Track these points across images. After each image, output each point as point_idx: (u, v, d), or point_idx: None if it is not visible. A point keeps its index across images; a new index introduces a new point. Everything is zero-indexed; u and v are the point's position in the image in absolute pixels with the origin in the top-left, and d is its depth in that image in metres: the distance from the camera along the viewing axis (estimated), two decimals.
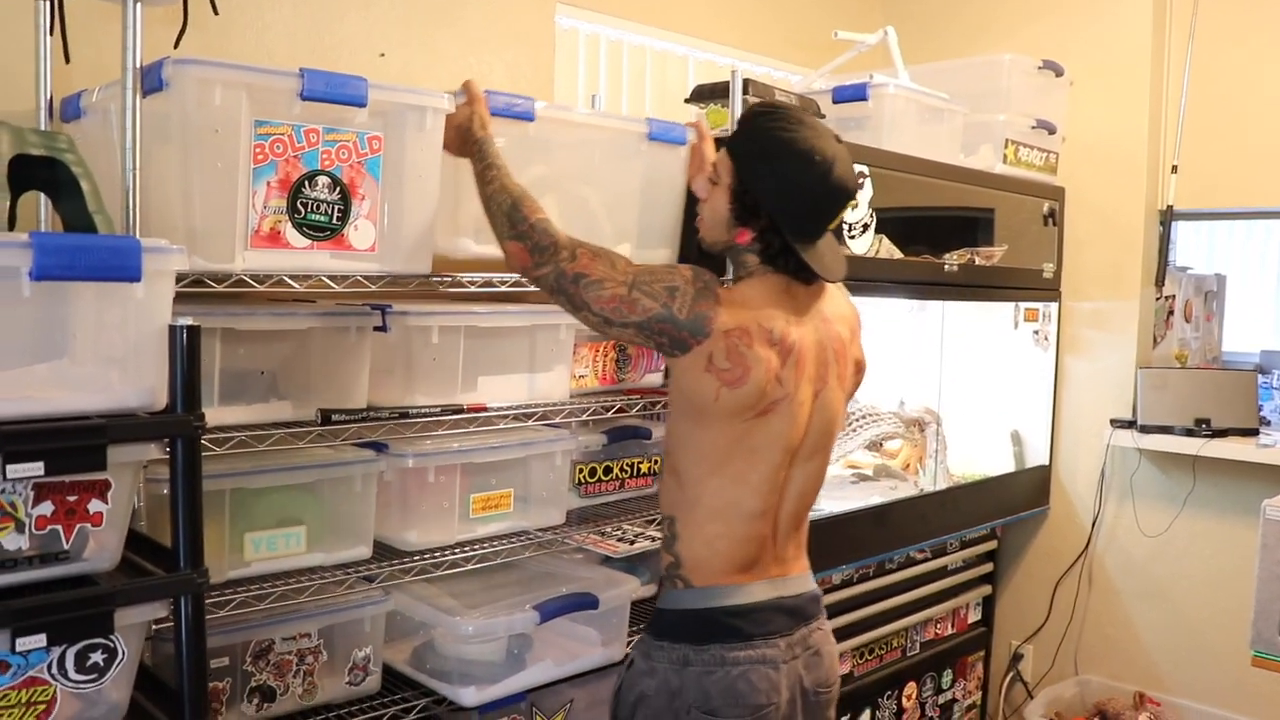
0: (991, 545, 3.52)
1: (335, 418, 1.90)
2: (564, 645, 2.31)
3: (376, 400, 2.03)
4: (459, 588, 2.18)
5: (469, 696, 2.05)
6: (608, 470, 2.51)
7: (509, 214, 1.81)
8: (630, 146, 2.33)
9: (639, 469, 2.58)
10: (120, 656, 1.46)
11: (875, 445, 3.23)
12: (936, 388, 3.35)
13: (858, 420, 3.10)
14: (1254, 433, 3.25)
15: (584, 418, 2.37)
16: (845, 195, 1.79)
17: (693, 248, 2.17)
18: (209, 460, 1.69)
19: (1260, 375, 3.43)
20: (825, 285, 1.87)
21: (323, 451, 1.99)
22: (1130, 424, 3.38)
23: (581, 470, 2.43)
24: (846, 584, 2.91)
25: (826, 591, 2.83)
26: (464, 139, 1.96)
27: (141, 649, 1.52)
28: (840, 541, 2.80)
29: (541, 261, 1.78)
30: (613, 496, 2.53)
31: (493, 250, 1.93)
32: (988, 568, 3.52)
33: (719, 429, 1.76)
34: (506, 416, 2.14)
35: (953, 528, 3.20)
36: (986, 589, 3.52)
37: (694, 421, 1.78)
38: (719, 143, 2.00)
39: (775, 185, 1.76)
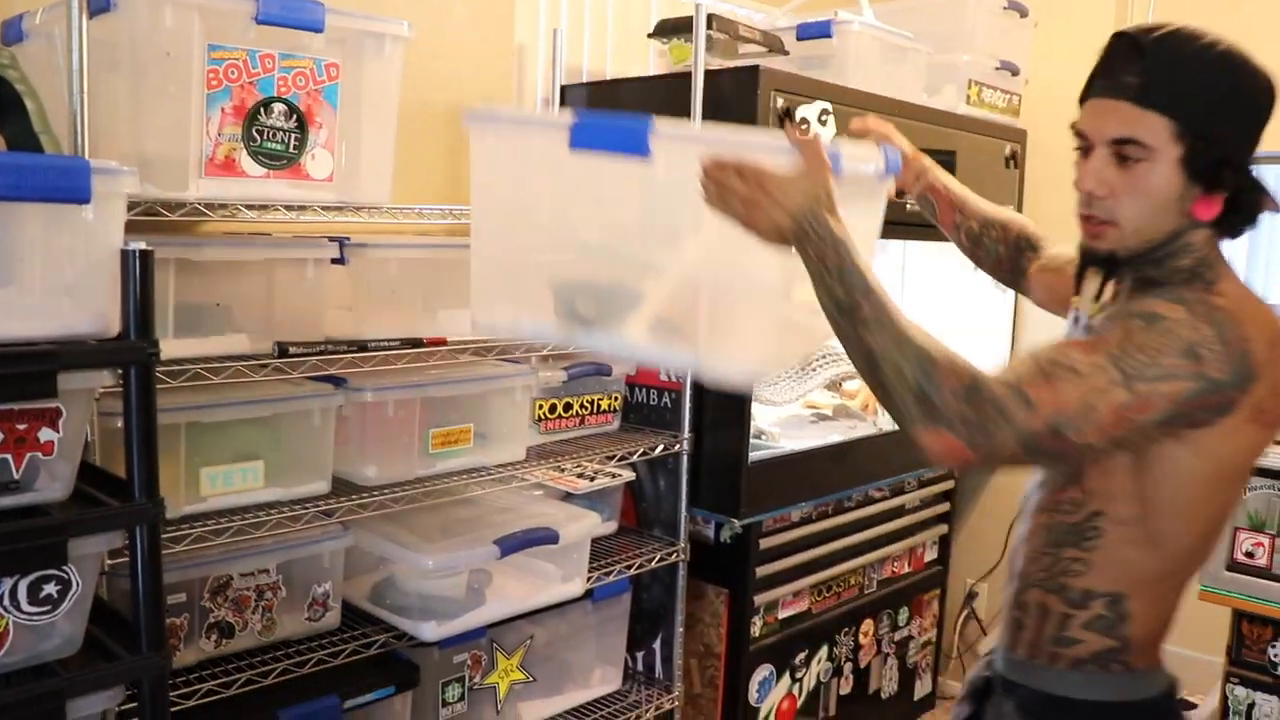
0: (948, 485, 3.55)
1: (292, 351, 1.88)
2: (524, 581, 2.31)
3: (335, 334, 2.01)
4: (418, 523, 2.17)
5: (429, 631, 2.05)
6: (568, 406, 2.50)
7: (918, 388, 1.27)
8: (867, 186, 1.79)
9: (599, 405, 2.58)
10: (74, 588, 1.44)
11: (834, 385, 3.24)
12: None
13: (818, 360, 3.11)
14: None
15: (544, 352, 2.35)
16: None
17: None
18: (164, 394, 1.66)
19: None
20: None
21: (280, 386, 1.97)
22: None
23: (541, 406, 2.42)
24: (805, 521, 2.93)
25: (786, 529, 2.86)
26: (797, 225, 1.34)
27: (96, 581, 1.50)
28: (799, 479, 2.81)
29: (987, 442, 1.26)
30: (573, 433, 2.53)
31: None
32: (944, 507, 3.56)
33: (1234, 484, 1.43)
34: (466, 350, 2.12)
35: (910, 466, 3.23)
36: (943, 528, 3.56)
37: (1205, 483, 1.38)
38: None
39: (1248, 114, 1.37)
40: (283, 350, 1.87)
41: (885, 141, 1.79)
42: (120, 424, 1.47)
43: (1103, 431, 1.27)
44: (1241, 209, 1.39)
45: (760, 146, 1.41)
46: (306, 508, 1.95)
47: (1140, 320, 1.32)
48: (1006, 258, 1.90)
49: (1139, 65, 1.38)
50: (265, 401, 1.92)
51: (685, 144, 1.48)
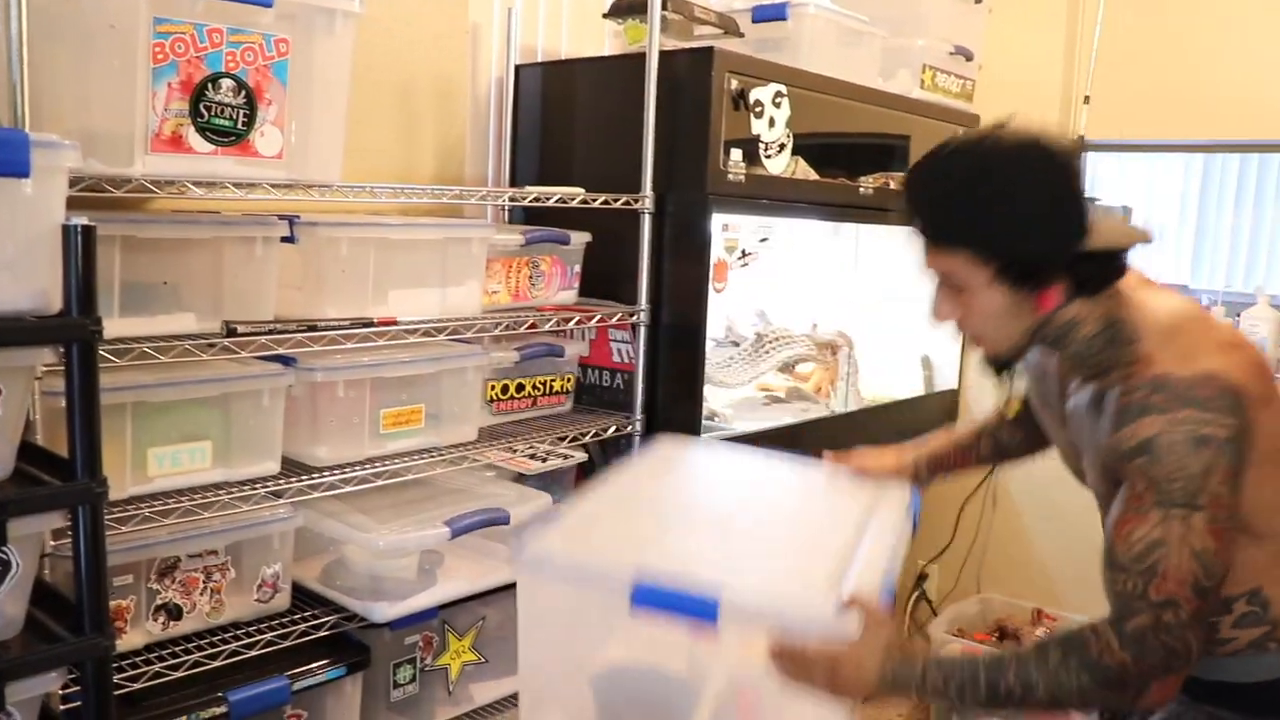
0: None
1: (240, 330, 1.86)
2: (476, 562, 2.31)
3: (284, 314, 1.99)
4: (369, 504, 2.16)
5: (380, 612, 2.04)
6: (520, 388, 2.49)
7: (1103, 697, 1.34)
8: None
9: (551, 387, 2.57)
10: (14, 569, 1.42)
11: (788, 368, 3.26)
12: (850, 311, 3.38)
13: (770, 342, 3.12)
14: None
15: (496, 333, 2.35)
16: (1073, 154, 1.46)
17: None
18: (109, 373, 1.64)
19: None
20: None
21: (229, 365, 1.95)
22: None
23: (494, 387, 2.41)
24: None
25: None
26: (882, 683, 1.37)
27: (37, 562, 1.48)
28: None
29: (1175, 657, 1.31)
30: (525, 414, 2.52)
31: None
32: None
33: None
34: (417, 331, 2.11)
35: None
36: None
37: (1265, 469, 1.42)
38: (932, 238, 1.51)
39: (1033, 207, 1.41)
40: (231, 330, 1.84)
41: (880, 475, 1.84)
42: (64, 403, 1.45)
43: (1220, 553, 1.32)
44: (1089, 280, 1.44)
45: (824, 623, 1.39)
46: (256, 488, 1.93)
47: (1142, 458, 1.35)
48: (1026, 433, 1.94)
49: (915, 207, 1.48)
50: (213, 381, 1.90)
51: (754, 620, 1.44)
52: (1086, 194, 1.43)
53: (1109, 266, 1.45)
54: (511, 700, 2.52)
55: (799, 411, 3.17)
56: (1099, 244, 1.43)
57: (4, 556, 1.40)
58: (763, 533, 1.70)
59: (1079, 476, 1.66)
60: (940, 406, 3.60)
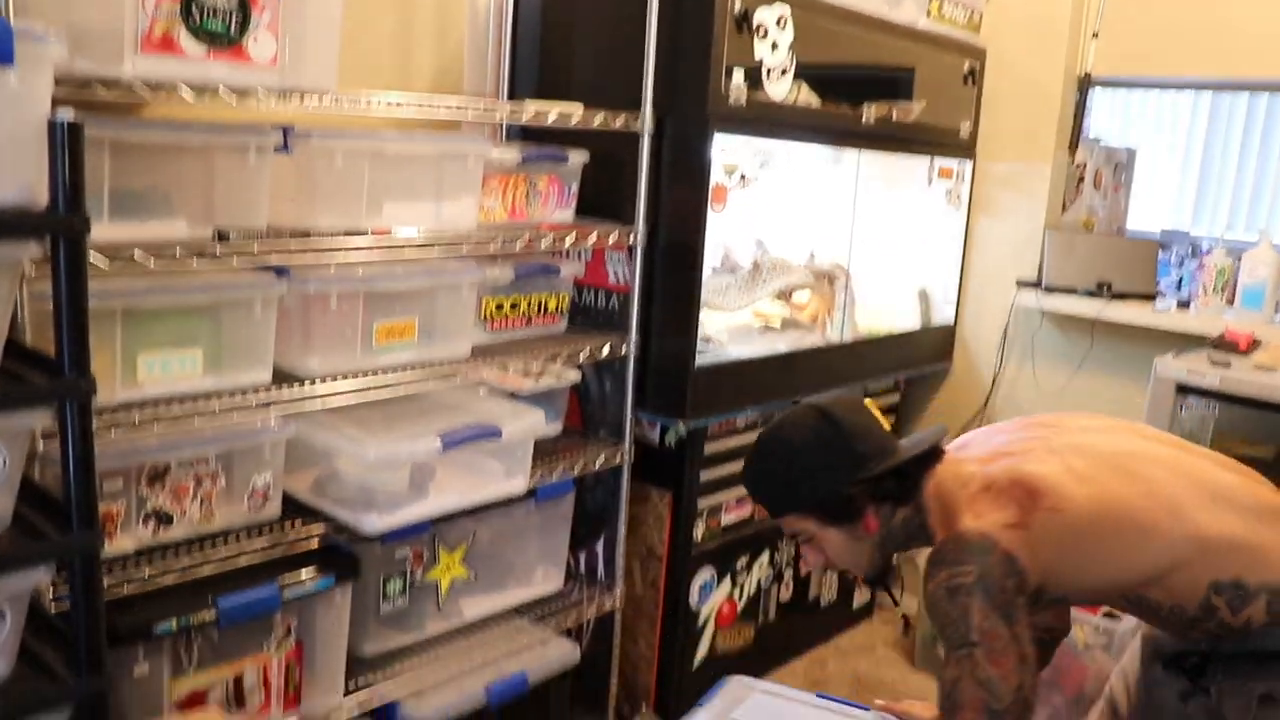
0: (894, 399, 3.59)
1: (233, 236, 1.84)
2: (468, 478, 2.31)
3: (277, 224, 1.97)
4: (361, 418, 2.16)
5: (370, 523, 2.05)
6: (514, 306, 2.48)
7: None
8: None
9: (546, 306, 2.57)
10: (1, 465, 1.42)
11: (784, 296, 3.24)
12: (848, 242, 3.36)
13: (767, 270, 3.11)
14: (1151, 299, 3.34)
15: (491, 250, 2.33)
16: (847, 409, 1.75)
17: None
18: (99, 278, 1.63)
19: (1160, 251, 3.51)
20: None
21: (220, 274, 1.94)
22: (1035, 285, 3.45)
23: (488, 304, 2.40)
24: (751, 428, 2.95)
25: (731, 434, 2.89)
26: None
27: (24, 460, 1.49)
28: (746, 385, 2.83)
29: None
30: (519, 333, 2.52)
31: None
32: (890, 421, 3.59)
33: (1117, 526, 1.67)
34: (412, 243, 2.09)
35: (856, 378, 3.26)
36: None
37: (1100, 539, 1.65)
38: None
39: (808, 461, 1.71)
40: (222, 235, 1.83)
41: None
42: (52, 306, 1.44)
43: (1007, 676, 1.49)
44: (893, 493, 1.72)
45: None
46: (247, 397, 1.93)
47: (931, 620, 1.62)
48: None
49: (750, 491, 1.82)
50: (205, 289, 1.89)
51: None
52: (863, 438, 1.70)
53: (907, 476, 1.72)
54: (501, 617, 2.55)
55: (795, 340, 3.17)
56: (894, 462, 1.69)
57: None
58: None
59: None
60: (936, 340, 3.60)
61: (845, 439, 1.70)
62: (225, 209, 1.90)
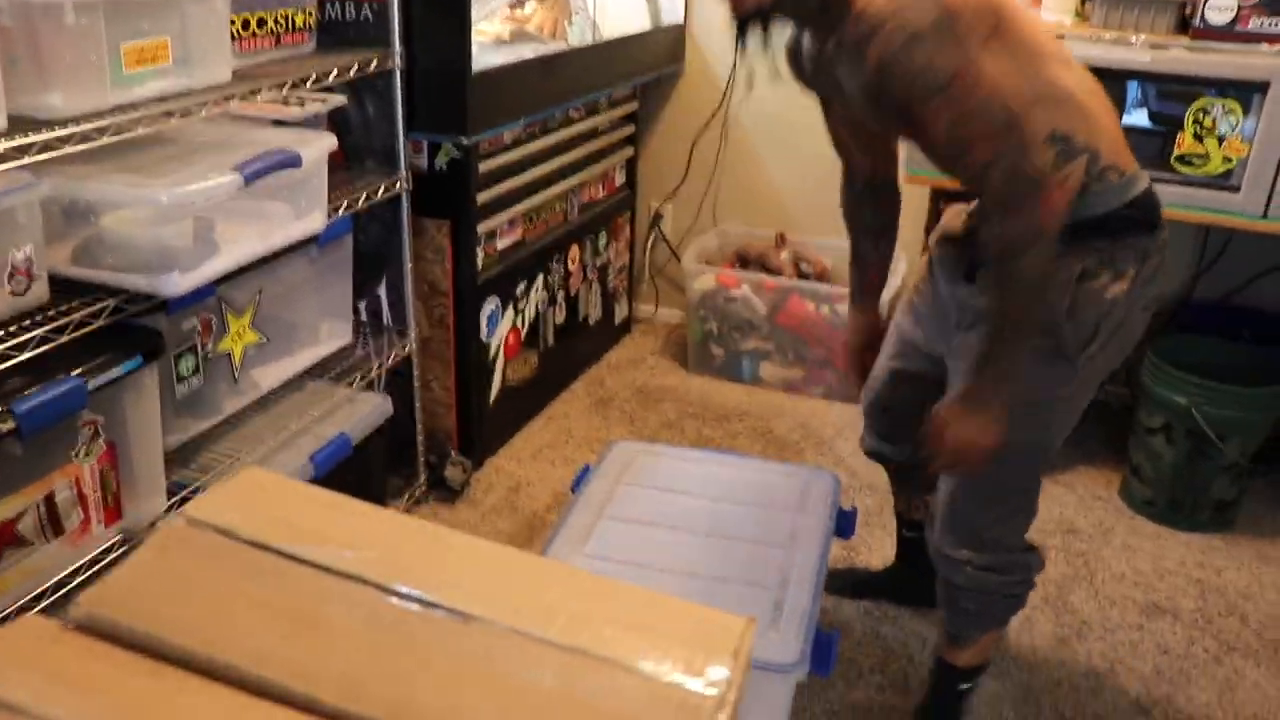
0: (633, 107, 3.45)
1: None
2: (253, 225, 1.98)
3: None
4: (120, 165, 1.76)
5: (173, 284, 1.70)
6: (261, 22, 2.10)
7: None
8: None
9: (293, 22, 2.19)
10: None
11: (519, 5, 2.97)
12: None
13: None
14: None
15: None
16: None
17: None
18: None
19: None
20: None
21: None
22: None
23: (234, 22, 2.00)
24: (517, 144, 2.75)
25: (499, 152, 2.67)
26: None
27: None
28: (518, 91, 2.61)
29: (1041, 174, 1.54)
30: (270, 54, 2.14)
31: None
32: (629, 130, 3.47)
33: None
34: None
35: (606, 83, 3.09)
36: (629, 151, 3.48)
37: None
38: None
39: None
40: None
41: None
42: None
43: (995, 94, 1.51)
44: None
45: None
46: None
47: (890, 80, 1.55)
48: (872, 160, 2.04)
49: None
50: None
51: None
52: None
53: None
54: (296, 383, 2.29)
55: (537, 49, 2.92)
56: None
57: None
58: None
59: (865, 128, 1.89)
60: (668, 41, 3.45)
61: None
62: None
